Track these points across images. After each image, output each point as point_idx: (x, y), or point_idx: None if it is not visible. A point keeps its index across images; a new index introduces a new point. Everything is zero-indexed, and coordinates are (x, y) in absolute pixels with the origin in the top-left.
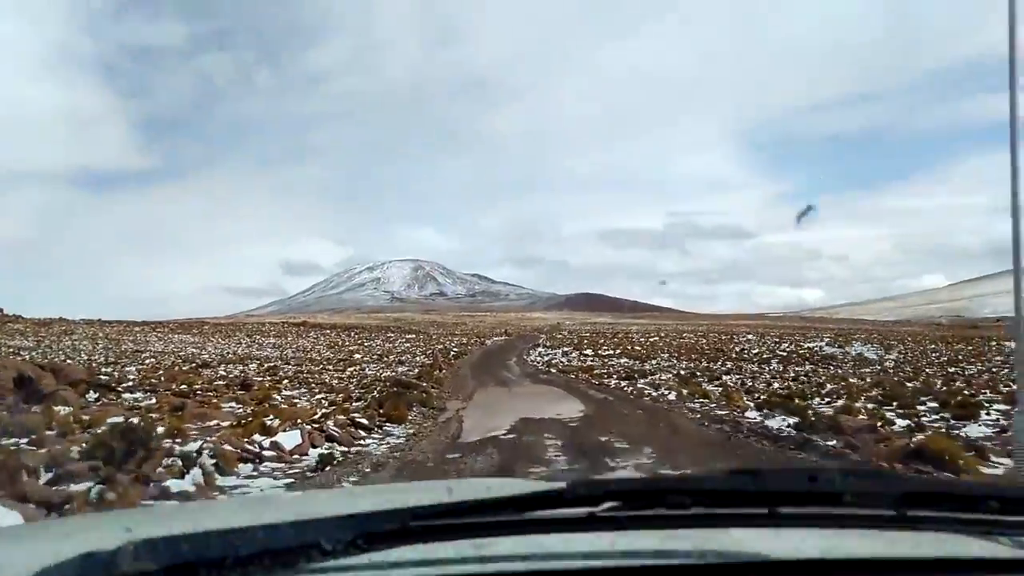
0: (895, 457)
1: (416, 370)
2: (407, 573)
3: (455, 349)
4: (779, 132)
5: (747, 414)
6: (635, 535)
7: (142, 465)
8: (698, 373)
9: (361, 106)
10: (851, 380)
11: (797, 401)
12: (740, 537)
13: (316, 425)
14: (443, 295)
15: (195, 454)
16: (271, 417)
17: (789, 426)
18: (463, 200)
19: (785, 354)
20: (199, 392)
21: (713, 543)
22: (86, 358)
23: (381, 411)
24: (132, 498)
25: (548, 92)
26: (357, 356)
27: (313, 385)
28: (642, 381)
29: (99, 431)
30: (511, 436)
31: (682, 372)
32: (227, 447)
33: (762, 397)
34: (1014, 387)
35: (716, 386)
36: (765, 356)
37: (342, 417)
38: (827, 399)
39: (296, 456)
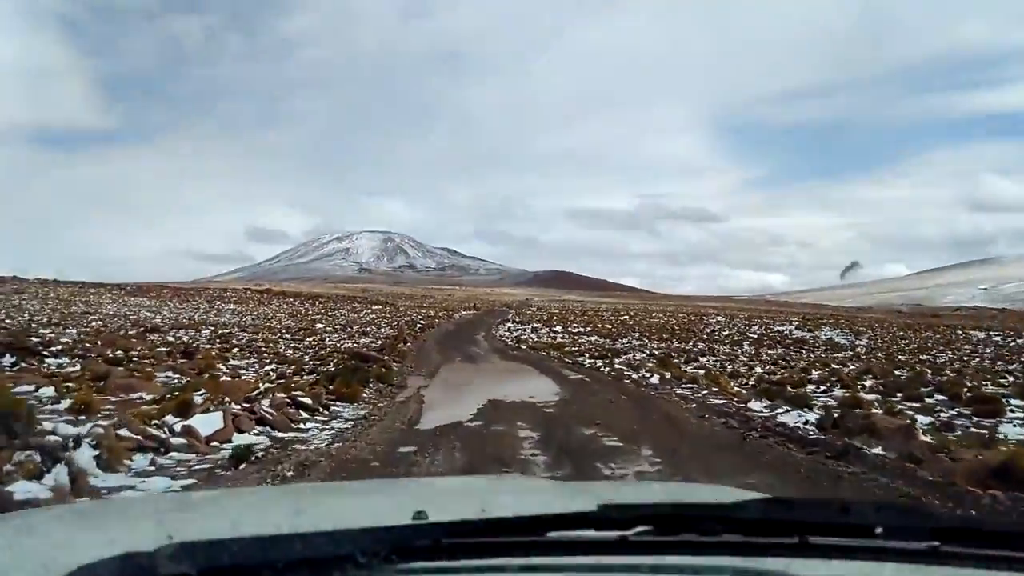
0: (976, 478)
1: (379, 342)
2: None
3: (422, 322)
4: (749, 119)
5: (751, 405)
6: (666, 560)
7: None
8: (673, 354)
9: (333, 75)
10: (835, 365)
11: (789, 388)
12: (772, 565)
13: (248, 405)
14: (412, 268)
15: (70, 443)
16: (201, 392)
17: (808, 423)
18: (434, 173)
19: (756, 336)
20: (135, 359)
21: (745, 571)
22: (27, 318)
23: (331, 388)
24: None
25: (522, 69)
26: (319, 326)
27: (265, 355)
28: (617, 361)
29: None
30: (477, 424)
31: (656, 352)
32: (125, 432)
33: (749, 382)
34: (1012, 379)
35: (695, 368)
36: (736, 338)
37: (282, 395)
38: (821, 386)
39: (216, 444)
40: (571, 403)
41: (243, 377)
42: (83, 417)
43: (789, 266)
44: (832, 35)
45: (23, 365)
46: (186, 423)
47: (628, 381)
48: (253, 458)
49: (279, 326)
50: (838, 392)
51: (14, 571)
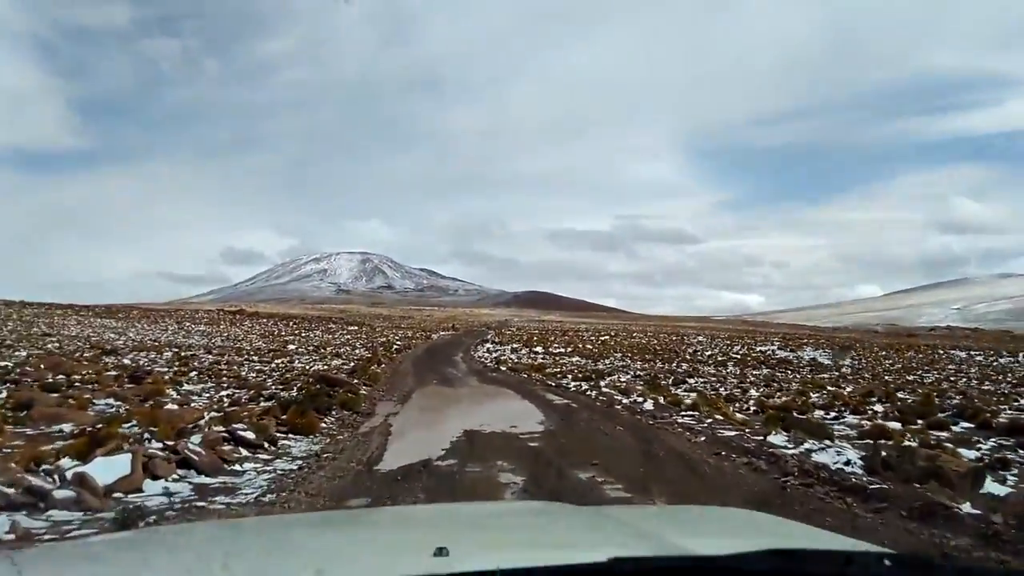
0: None
1: (352, 364)
2: None
3: (399, 343)
4: (724, 143)
5: (771, 439)
6: None
7: None
8: (660, 375)
9: (310, 97)
10: (832, 387)
11: (795, 414)
12: None
13: (172, 443)
14: (391, 288)
15: None
16: (132, 423)
17: (850, 464)
18: (413, 195)
19: (739, 357)
20: (77, 384)
21: None
22: None
23: (283, 418)
24: None
25: (500, 92)
26: (291, 347)
27: (225, 379)
28: (603, 383)
29: None
30: (450, 464)
31: (641, 373)
32: None
33: (749, 407)
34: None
35: (685, 390)
36: (720, 358)
37: (220, 428)
38: (829, 412)
39: (120, 494)
40: (559, 435)
41: (193, 404)
42: None
43: (765, 286)
44: (806, 61)
45: None
46: (80, 469)
47: (619, 407)
48: (147, 520)
49: (248, 347)
50: (851, 419)
51: None
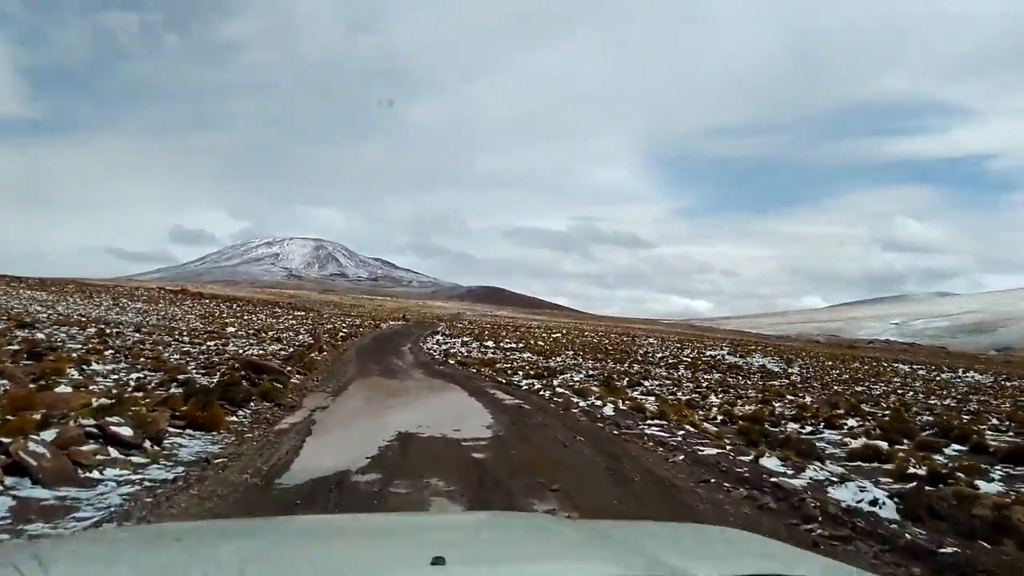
0: None
1: (290, 350)
2: None
3: (345, 330)
4: (681, 152)
5: (764, 462)
6: None
7: None
8: (615, 376)
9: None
10: (792, 396)
11: (767, 426)
12: None
13: (6, 442)
14: (344, 276)
15: None
16: None
17: (879, 504)
18: (371, 185)
19: (690, 360)
20: None
21: None
22: None
23: (181, 411)
24: None
25: (466, 88)
26: (230, 330)
27: (141, 360)
28: (555, 381)
29: None
30: (371, 479)
31: (593, 373)
32: None
33: (714, 415)
34: (994, 420)
35: (641, 393)
36: (671, 361)
37: (89, 421)
38: (803, 425)
39: None
40: (509, 443)
41: (91, 388)
42: None
43: (713, 293)
44: (766, 78)
45: None
46: None
47: (576, 410)
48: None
49: (184, 328)
50: (830, 434)
51: None
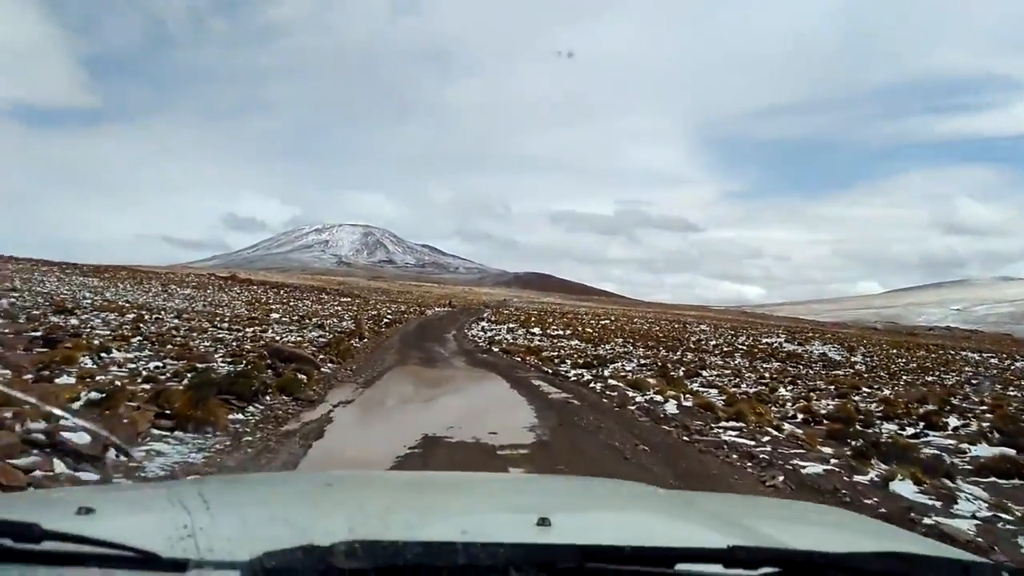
0: None
1: (330, 336)
2: None
3: (390, 316)
4: (731, 132)
5: (895, 487)
6: None
7: None
8: (668, 365)
9: (317, 65)
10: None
11: (859, 427)
12: None
13: None
14: (392, 263)
15: None
16: None
17: None
18: (416, 170)
19: (745, 348)
20: None
21: None
22: None
23: (170, 408)
24: None
25: (507, 70)
26: (274, 316)
27: (168, 347)
28: (607, 372)
29: None
30: None
31: (644, 362)
32: None
33: (790, 412)
34: None
35: (702, 385)
36: (726, 349)
37: (39, 425)
38: (901, 425)
39: None
40: (557, 454)
41: (97, 379)
42: None
43: (765, 279)
44: (816, 54)
45: None
46: None
47: (634, 407)
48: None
49: (227, 314)
50: (936, 438)
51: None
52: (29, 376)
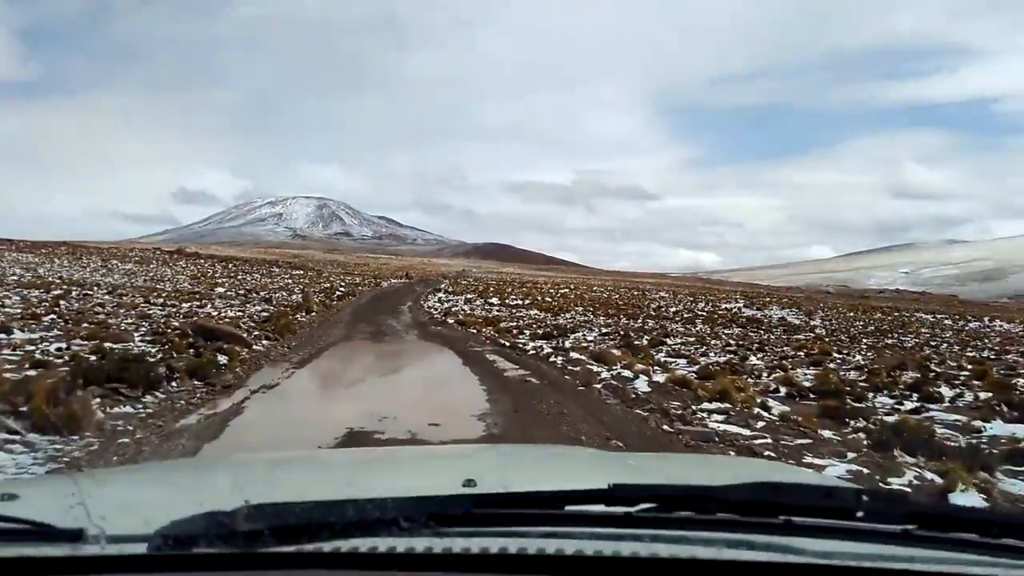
0: None
1: (273, 310)
2: (472, 545)
3: (343, 289)
4: (686, 101)
5: (954, 498)
6: (665, 533)
7: None
8: (631, 334)
9: (269, 35)
10: (844, 355)
11: (851, 403)
12: (758, 541)
13: None
14: (348, 235)
15: None
16: None
17: None
18: (372, 141)
19: (705, 314)
20: None
21: (736, 543)
22: None
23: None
24: None
25: (465, 39)
26: (219, 290)
27: (83, 325)
28: (568, 343)
29: None
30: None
31: (607, 331)
32: None
33: (774, 385)
34: None
35: (668, 355)
36: (686, 315)
37: None
38: (881, 392)
39: None
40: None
41: None
42: None
43: (720, 246)
44: (770, 22)
45: None
46: None
47: (600, 385)
48: None
49: (168, 289)
50: (940, 413)
51: (123, 522)
52: None
